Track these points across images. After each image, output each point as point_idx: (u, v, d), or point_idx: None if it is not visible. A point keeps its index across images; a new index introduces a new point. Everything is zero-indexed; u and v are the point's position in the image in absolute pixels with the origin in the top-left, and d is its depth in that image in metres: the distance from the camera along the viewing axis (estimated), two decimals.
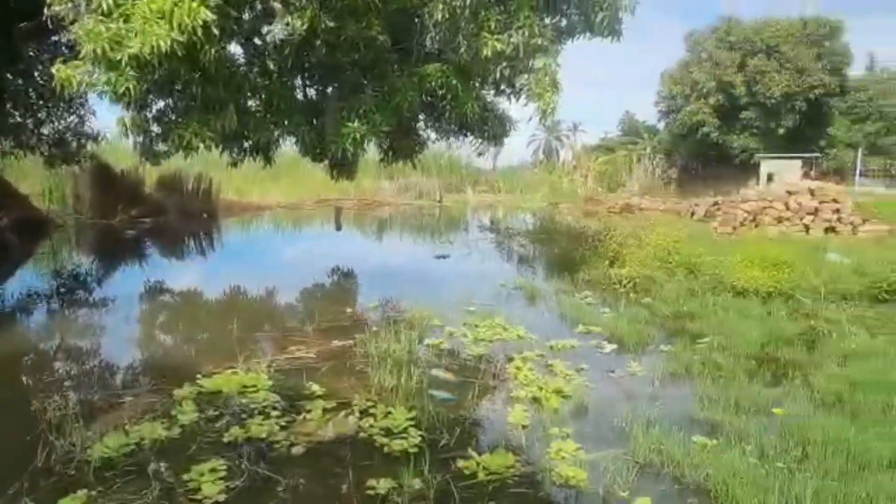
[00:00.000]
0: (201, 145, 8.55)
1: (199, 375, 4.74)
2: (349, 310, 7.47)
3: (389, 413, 4.07)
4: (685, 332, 6.65)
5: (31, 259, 11.63)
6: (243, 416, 4.06)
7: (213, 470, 3.30)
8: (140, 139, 12.33)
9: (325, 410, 4.14)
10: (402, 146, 11.50)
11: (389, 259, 13.09)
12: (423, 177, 31.70)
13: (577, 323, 6.81)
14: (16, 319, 7.28)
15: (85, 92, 12.35)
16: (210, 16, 6.26)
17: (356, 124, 8.29)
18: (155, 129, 11.26)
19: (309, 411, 4.11)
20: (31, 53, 10.43)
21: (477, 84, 10.01)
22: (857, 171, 30.20)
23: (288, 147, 12.16)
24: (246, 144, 10.46)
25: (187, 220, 16.82)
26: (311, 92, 10.48)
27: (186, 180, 18.14)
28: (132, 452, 3.50)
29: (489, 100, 10.92)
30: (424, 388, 4.65)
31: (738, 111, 30.69)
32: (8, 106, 11.14)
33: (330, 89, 10.28)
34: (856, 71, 31.42)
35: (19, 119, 11.14)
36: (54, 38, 10.83)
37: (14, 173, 15.00)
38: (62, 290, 8.88)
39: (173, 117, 8.68)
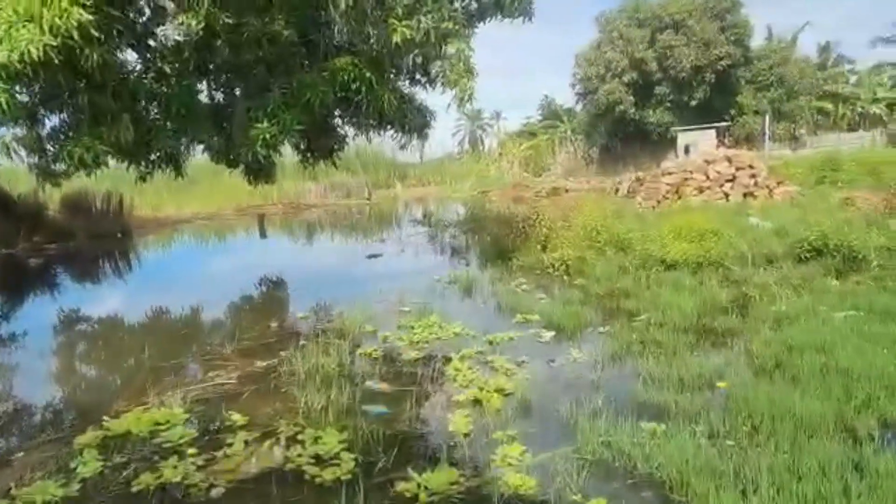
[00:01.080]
0: (97, 161, 7.88)
1: (104, 417, 4.25)
2: (275, 324, 7.01)
3: (319, 438, 3.72)
4: (621, 310, 6.59)
5: None
6: (155, 458, 3.62)
7: None
8: (35, 160, 11.44)
9: (246, 442, 3.75)
10: (319, 145, 11.05)
11: (320, 263, 12.62)
12: (350, 175, 31.12)
13: (514, 312, 6.63)
14: None
15: None
16: (86, 16, 5.64)
17: (265, 125, 7.82)
18: (50, 147, 10.47)
19: (230, 445, 3.71)
20: None
21: (392, 76, 9.69)
22: (766, 137, 31.68)
23: (201, 156, 11.52)
24: (153, 156, 9.79)
25: (98, 241, 15.72)
26: (217, 95, 9.88)
27: (94, 199, 16.95)
28: None
29: (406, 91, 10.62)
30: (358, 403, 4.33)
31: (652, 87, 31.59)
32: None
33: (236, 91, 9.73)
34: (756, 41, 32.92)
35: None
36: None
37: None
38: None
39: (66, 134, 7.93)
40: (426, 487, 3.15)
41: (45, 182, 12.80)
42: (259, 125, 7.83)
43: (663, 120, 31.77)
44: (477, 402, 4.23)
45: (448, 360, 5.13)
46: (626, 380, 4.61)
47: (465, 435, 3.74)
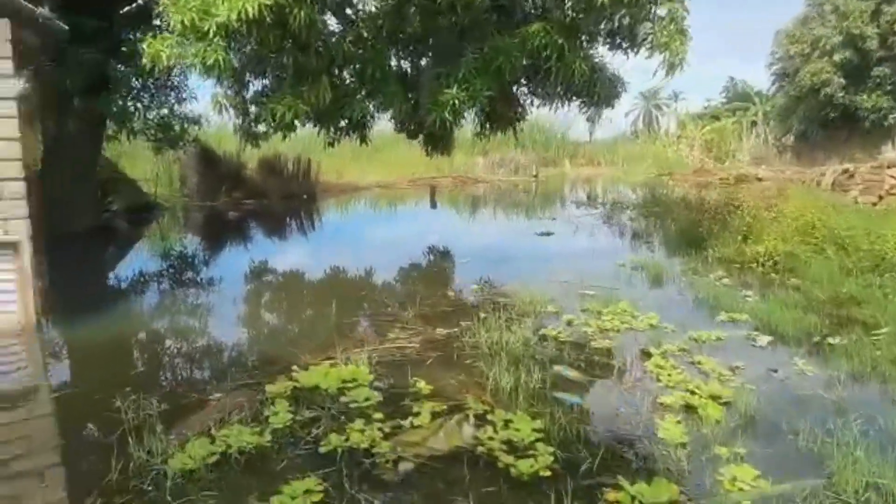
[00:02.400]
0: (296, 121, 8.21)
1: (294, 368, 4.28)
2: (451, 293, 6.83)
3: (510, 422, 3.37)
4: (853, 320, 5.52)
5: (139, 242, 11.90)
6: (342, 418, 3.51)
7: (307, 491, 2.75)
8: (240, 121, 12.37)
9: (433, 414, 3.50)
10: (499, 116, 10.71)
11: (488, 237, 12.38)
12: (518, 151, 30.69)
13: (716, 309, 5.82)
14: (117, 305, 7.21)
15: (182, 72, 12.50)
16: None
17: (454, 91, 7.63)
18: (253, 110, 11.21)
19: (416, 414, 3.49)
20: (131, 38, 10.46)
21: (584, 42, 9.05)
22: None
23: (383, 125, 11.77)
24: (342, 123, 10.13)
25: (288, 201, 16.88)
26: (405, 63, 9.91)
27: (286, 162, 18.20)
28: (217, 463, 3.02)
29: (597, 60, 9.94)
30: (548, 388, 3.93)
31: (869, 68, 27.24)
32: (114, 94, 11.29)
33: (425, 58, 9.68)
34: None
35: (121, 104, 11.26)
36: (156, 22, 10.84)
37: (125, 159, 15.54)
38: (167, 273, 8.84)
39: (268, 95, 8.34)
40: (640, 502, 2.67)
41: (247, 143, 13.93)
42: (448, 91, 7.67)
43: (880, 105, 27.32)
44: (689, 407, 3.63)
45: (647, 354, 4.55)
46: (880, 406, 3.73)
47: (681, 445, 3.19)
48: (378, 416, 3.49)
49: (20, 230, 5.38)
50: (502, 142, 29.01)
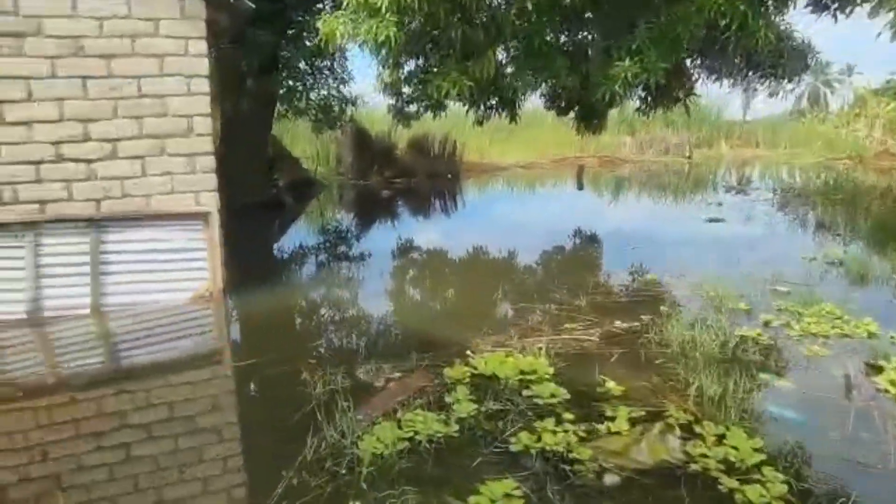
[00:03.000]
0: (454, 99, 8.10)
1: (468, 352, 4.12)
2: (624, 282, 6.37)
3: (723, 437, 2.95)
4: None
5: (302, 216, 12.54)
6: (529, 414, 3.27)
7: (507, 495, 2.54)
8: (393, 101, 12.55)
9: (631, 421, 3.16)
10: (665, 91, 9.90)
11: (649, 222, 11.61)
12: (669, 131, 28.82)
13: None
14: (287, 276, 7.55)
15: (344, 53, 12.86)
16: None
17: (627, 63, 7.09)
18: (406, 90, 11.29)
19: (611, 419, 3.17)
20: (300, 19, 10.89)
21: (770, 7, 8.06)
22: None
23: (527, 104, 11.46)
24: (492, 101, 9.93)
25: (433, 180, 17.06)
26: (569, 35, 9.43)
27: (433, 142, 18.38)
28: (407, 451, 2.90)
29: (783, 27, 8.88)
30: (758, 400, 3.43)
31: None
32: (284, 75, 11.87)
33: (591, 30, 9.14)
34: None
35: (290, 84, 11.83)
36: (319, 5, 11.21)
37: (288, 138, 16.47)
38: (327, 247, 9.16)
39: (430, 71, 8.25)
40: None
41: (399, 123, 14.17)
42: (620, 63, 7.14)
43: None
44: None
45: (874, 368, 3.86)
46: None
47: None
48: (568, 416, 3.21)
49: (211, 202, 5.70)
50: (651, 121, 27.41)
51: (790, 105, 46.59)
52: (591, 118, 11.04)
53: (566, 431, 3.03)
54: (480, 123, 11.06)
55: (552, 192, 18.07)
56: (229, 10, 5.79)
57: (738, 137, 33.14)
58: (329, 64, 12.54)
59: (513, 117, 10.31)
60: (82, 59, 5.20)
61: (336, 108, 13.78)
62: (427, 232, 10.61)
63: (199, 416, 3.62)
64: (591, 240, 9.36)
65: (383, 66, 8.59)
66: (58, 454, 3.09)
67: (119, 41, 5.28)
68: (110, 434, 3.31)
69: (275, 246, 9.49)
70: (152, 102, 5.45)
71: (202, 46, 5.52)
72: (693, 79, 10.09)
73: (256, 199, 10.84)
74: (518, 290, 6.19)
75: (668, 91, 9.96)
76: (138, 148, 5.44)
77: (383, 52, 7.13)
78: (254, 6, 5.83)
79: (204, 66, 5.56)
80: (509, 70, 8.35)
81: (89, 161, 5.33)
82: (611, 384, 3.60)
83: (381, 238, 10.13)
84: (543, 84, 9.31)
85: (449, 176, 18.05)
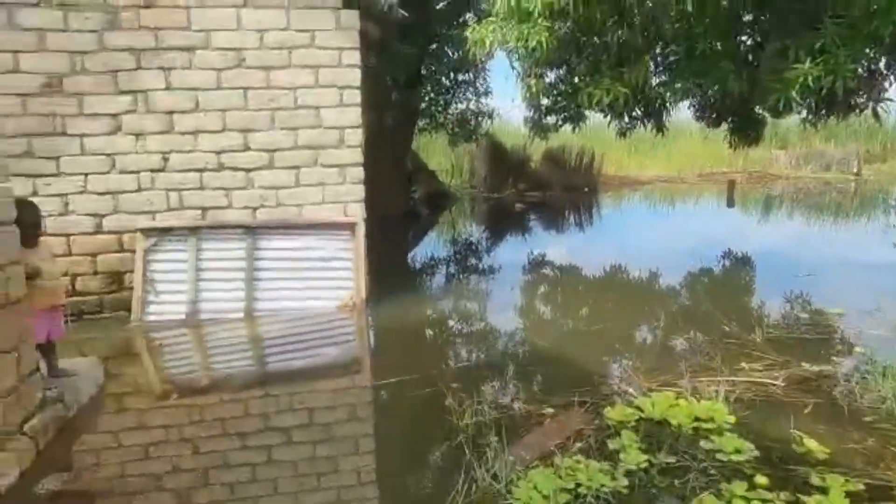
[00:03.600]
0: (604, 109, 7.63)
1: (628, 389, 3.67)
2: (799, 313, 5.56)
3: None
4: None
5: (435, 228, 12.55)
6: (712, 473, 2.78)
7: None
8: (530, 113, 12.20)
9: (850, 496, 2.56)
10: (849, 95, 8.71)
11: (818, 245, 10.32)
12: (831, 144, 25.99)
13: None
14: (423, 288, 7.44)
15: (484, 66, 12.75)
16: None
17: (807, 65, 6.27)
18: (545, 102, 10.93)
19: (822, 490, 2.59)
20: (443, 33, 10.93)
21: None
22: None
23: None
24: (638, 111, 9.33)
25: (569, 194, 16.50)
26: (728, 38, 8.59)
27: (570, 154, 17.83)
28: None
29: None
30: None
31: None
32: (426, 88, 12.00)
33: (756, 31, 8.27)
34: None
35: (432, 97, 11.93)
36: (462, 18, 11.20)
37: (424, 151, 16.69)
38: (460, 261, 9.00)
39: (577, 79, 7.85)
40: None
41: (536, 135, 13.82)
42: (799, 65, 6.33)
43: None
44: None
45: None
46: None
47: None
48: (761, 479, 2.67)
49: (358, 212, 5.69)
50: (809, 134, 24.83)
51: None
52: (747, 130, 10.07)
53: (764, 501, 2.51)
54: (623, 135, 10.47)
55: (698, 209, 16.80)
56: (381, 21, 5.78)
57: None
58: (470, 77, 12.47)
59: (660, 128, 9.64)
60: (244, 70, 5.40)
61: (472, 122, 13.74)
62: (560, 246, 10.15)
63: (338, 425, 3.58)
64: (744, 262, 8.41)
65: (527, 76, 8.31)
66: (207, 449, 3.21)
67: (277, 53, 5.43)
68: (255, 435, 3.38)
69: (409, 257, 9.50)
70: (307, 113, 5.54)
71: (355, 57, 5.55)
72: (886, 81, 8.82)
73: (397, 209, 10.96)
74: (673, 316, 5.58)
75: (849, 96, 8.78)
76: (293, 158, 5.56)
77: (530, 60, 6.86)
78: (406, 14, 5.78)
79: (356, 76, 5.59)
80: (663, 77, 7.75)
81: (247, 170, 5.51)
82: (810, 443, 2.99)
83: (513, 251, 9.81)
84: (695, 92, 8.58)
85: (586, 189, 17.40)
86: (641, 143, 20.95)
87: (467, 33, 6.76)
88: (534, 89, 7.86)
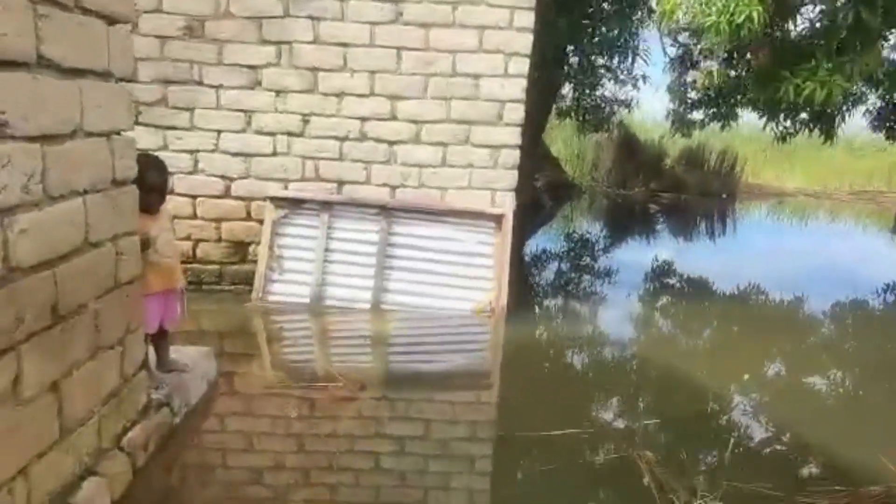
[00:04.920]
0: (799, 107, 6.36)
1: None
2: None
3: None
4: None
5: (555, 219, 11.59)
6: None
7: None
8: (674, 105, 11.01)
9: None
10: None
11: None
12: None
13: None
14: (558, 294, 6.53)
15: (638, 49, 11.47)
16: None
17: None
18: (692, 95, 9.86)
19: None
20: (600, 5, 9.83)
21: None
22: None
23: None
24: (803, 115, 8.05)
25: (705, 199, 14.92)
26: None
27: (709, 156, 16.20)
28: None
29: None
30: None
31: None
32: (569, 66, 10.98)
33: None
34: None
35: (575, 79, 10.86)
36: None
37: (548, 138, 15.60)
38: (602, 265, 7.98)
39: (771, 68, 6.58)
40: None
41: (678, 131, 12.43)
42: None
43: None
44: None
45: None
46: None
47: None
48: None
49: (507, 203, 4.88)
50: None
51: None
52: None
53: None
54: (783, 140, 9.19)
55: (853, 232, 14.69)
56: None
57: None
58: (621, 60, 11.14)
59: (829, 136, 8.25)
60: (401, 27, 4.67)
61: (605, 111, 12.54)
62: (714, 261, 8.87)
63: (455, 442, 3.08)
64: None
65: (706, 59, 7.15)
66: (313, 448, 2.93)
67: (440, 8, 4.64)
68: (364, 439, 3.01)
69: (545, 256, 8.54)
70: (464, 82, 4.76)
71: (529, 19, 4.67)
72: None
73: (525, 199, 10.07)
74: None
75: None
76: (442, 133, 4.81)
77: (722, 39, 5.70)
78: None
79: (527, 43, 4.72)
80: None
81: (391, 142, 4.81)
82: None
83: (631, 256, 8.68)
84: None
85: (724, 196, 15.73)
86: (776, 150, 18.82)
87: (654, 5, 5.72)
88: (715, 77, 6.68)
